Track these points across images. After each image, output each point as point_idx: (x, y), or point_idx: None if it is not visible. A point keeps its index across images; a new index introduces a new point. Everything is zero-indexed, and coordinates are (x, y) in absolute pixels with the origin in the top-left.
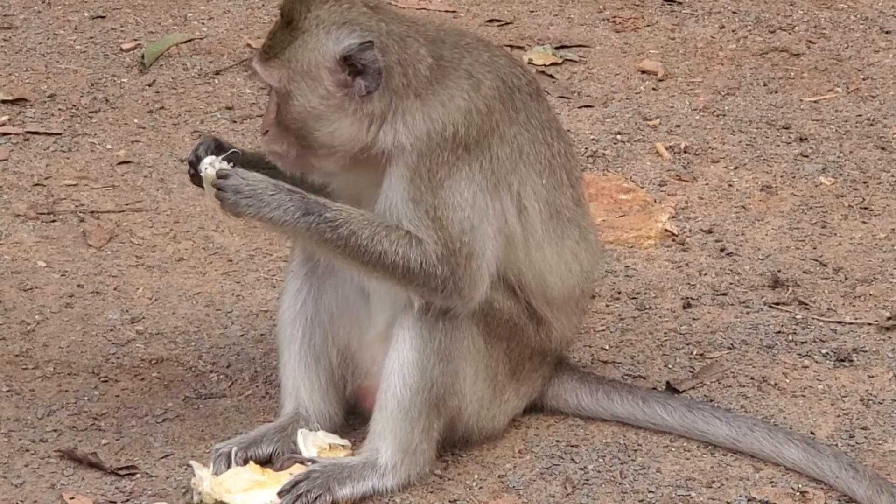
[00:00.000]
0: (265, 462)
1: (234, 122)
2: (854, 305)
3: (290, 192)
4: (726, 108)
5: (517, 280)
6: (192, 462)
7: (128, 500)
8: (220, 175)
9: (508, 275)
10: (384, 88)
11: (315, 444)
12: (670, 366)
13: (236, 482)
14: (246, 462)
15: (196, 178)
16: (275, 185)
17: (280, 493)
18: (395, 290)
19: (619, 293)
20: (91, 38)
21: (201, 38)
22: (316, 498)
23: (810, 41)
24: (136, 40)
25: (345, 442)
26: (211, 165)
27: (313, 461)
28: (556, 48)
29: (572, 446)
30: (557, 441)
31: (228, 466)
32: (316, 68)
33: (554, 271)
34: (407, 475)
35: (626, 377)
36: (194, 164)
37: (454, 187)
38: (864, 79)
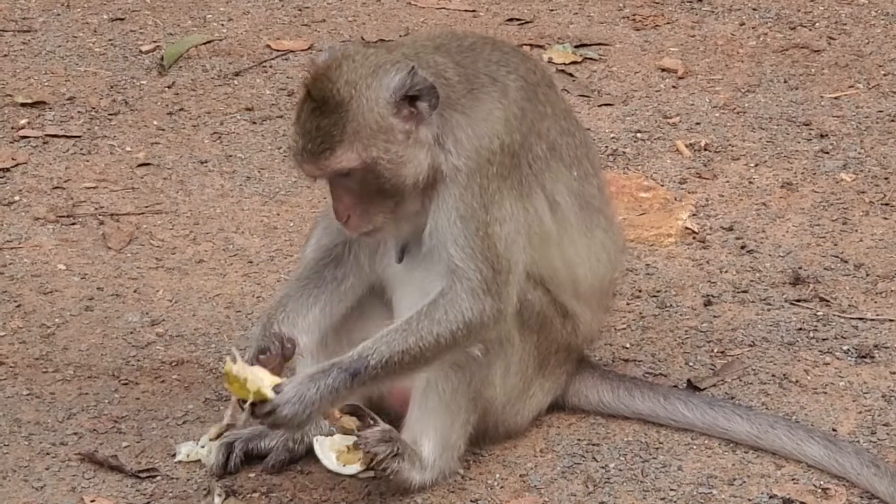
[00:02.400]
0: (263, 457)
1: (254, 123)
2: (875, 301)
3: (324, 372)
4: (746, 105)
5: (550, 276)
6: (234, 349)
7: (148, 503)
8: (269, 413)
9: (542, 271)
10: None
11: (332, 448)
12: (691, 363)
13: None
14: (246, 456)
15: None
16: (309, 377)
17: (360, 436)
18: (460, 355)
19: (640, 291)
20: (110, 40)
21: (220, 40)
22: (396, 454)
23: (831, 37)
24: (155, 42)
25: None
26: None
27: (376, 422)
28: (576, 47)
29: (594, 445)
30: (579, 440)
31: (228, 458)
32: (383, 120)
33: (585, 263)
34: (441, 470)
35: (647, 375)
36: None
37: (502, 200)
38: (884, 74)
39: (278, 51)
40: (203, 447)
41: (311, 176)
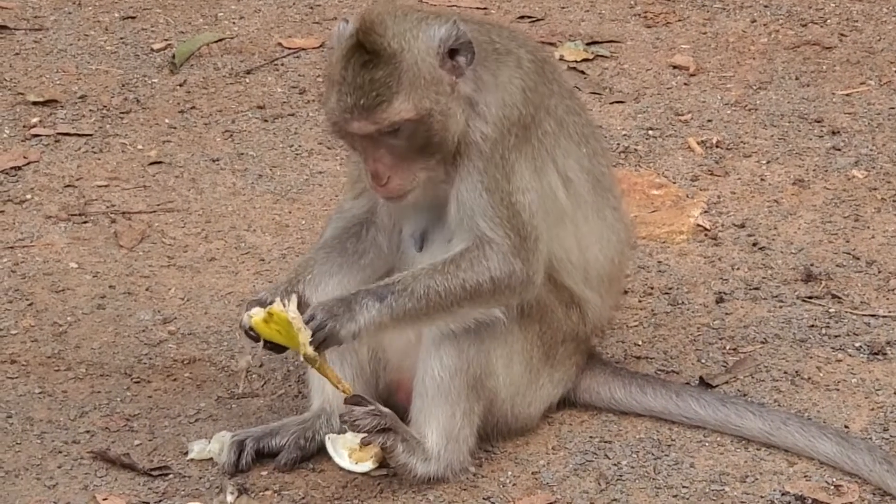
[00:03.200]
0: (275, 455)
1: (266, 121)
2: (887, 298)
3: (353, 295)
4: (758, 102)
5: (563, 257)
6: (294, 295)
7: (161, 501)
8: (311, 322)
9: (555, 252)
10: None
11: (345, 445)
12: (703, 361)
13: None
14: (258, 454)
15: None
16: (338, 298)
17: (347, 410)
18: (482, 312)
19: (652, 288)
20: (122, 38)
21: (232, 38)
22: (383, 429)
23: (842, 34)
24: (166, 40)
25: None
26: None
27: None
28: (588, 44)
29: (606, 442)
30: (591, 437)
31: (240, 456)
32: (435, 71)
33: (596, 244)
34: (448, 462)
35: (659, 372)
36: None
37: (521, 171)
38: None
39: (290, 49)
40: (214, 444)
41: (361, 133)
